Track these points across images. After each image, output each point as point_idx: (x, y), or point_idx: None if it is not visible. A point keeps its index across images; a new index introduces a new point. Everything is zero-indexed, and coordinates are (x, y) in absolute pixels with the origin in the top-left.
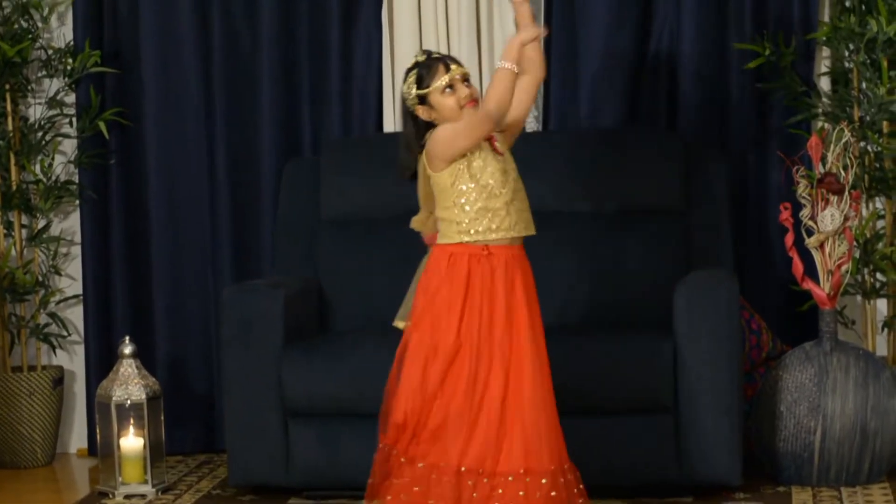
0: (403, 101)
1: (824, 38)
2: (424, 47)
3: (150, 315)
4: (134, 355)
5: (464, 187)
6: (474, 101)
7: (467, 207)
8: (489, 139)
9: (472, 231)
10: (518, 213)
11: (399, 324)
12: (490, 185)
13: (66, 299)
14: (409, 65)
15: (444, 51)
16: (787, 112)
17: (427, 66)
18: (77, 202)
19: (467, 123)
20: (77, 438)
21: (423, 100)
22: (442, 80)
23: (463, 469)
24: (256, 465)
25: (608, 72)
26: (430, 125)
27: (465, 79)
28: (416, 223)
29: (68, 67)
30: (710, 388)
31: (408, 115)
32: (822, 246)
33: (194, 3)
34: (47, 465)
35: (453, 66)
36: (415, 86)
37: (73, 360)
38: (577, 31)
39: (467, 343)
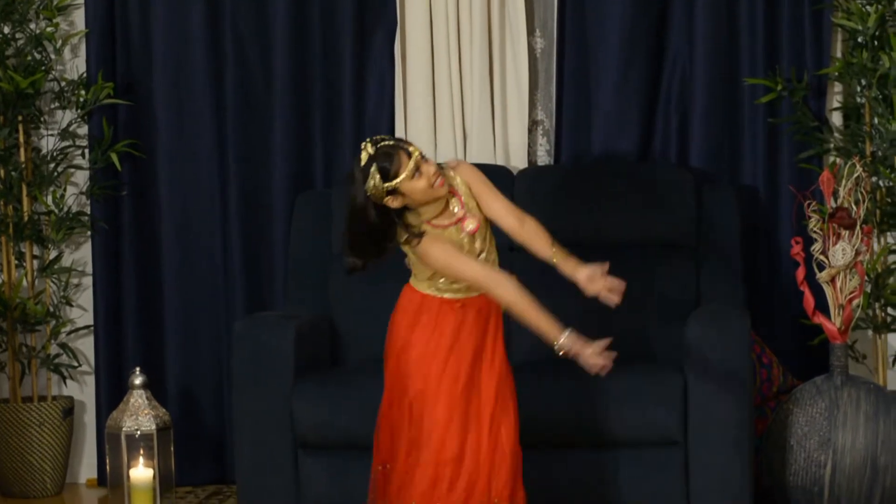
0: (360, 198)
1: (836, 74)
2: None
3: (161, 346)
4: (144, 386)
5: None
6: (440, 177)
7: (441, 280)
8: (462, 222)
9: (447, 293)
10: None
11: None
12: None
13: (77, 330)
14: (359, 160)
15: (456, 84)
16: (799, 147)
17: (387, 157)
18: (89, 233)
19: (475, 276)
20: (87, 469)
21: (392, 191)
22: (409, 165)
23: None
24: (267, 498)
25: (620, 106)
26: (398, 211)
27: (422, 155)
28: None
29: (81, 99)
30: (721, 421)
31: (369, 207)
32: (833, 280)
33: (208, 35)
34: (57, 495)
35: (411, 149)
36: (380, 180)
37: (83, 390)
38: (590, 65)
39: (446, 385)
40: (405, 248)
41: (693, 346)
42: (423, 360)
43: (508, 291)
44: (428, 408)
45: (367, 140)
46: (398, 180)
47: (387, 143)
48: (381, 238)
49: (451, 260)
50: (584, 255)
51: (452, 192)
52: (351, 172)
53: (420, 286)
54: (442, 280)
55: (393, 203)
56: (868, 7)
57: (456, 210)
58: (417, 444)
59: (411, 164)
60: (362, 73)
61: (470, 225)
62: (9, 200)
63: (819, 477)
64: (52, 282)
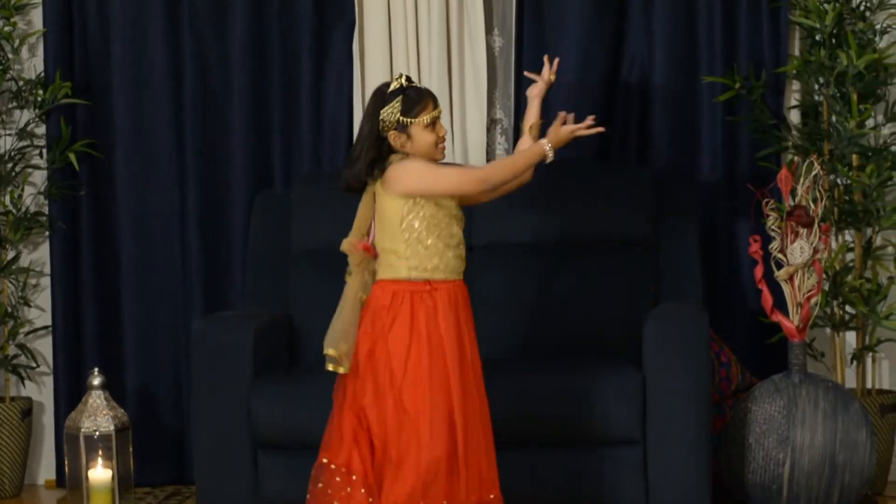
0: (375, 119)
1: (794, 72)
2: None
3: (119, 347)
4: (103, 387)
5: (416, 224)
6: (443, 147)
7: (419, 245)
8: None
9: (420, 268)
10: (461, 258)
11: (330, 350)
12: (446, 229)
13: (35, 330)
14: (390, 86)
15: (415, 79)
16: (757, 145)
17: (417, 95)
18: (47, 233)
19: (458, 175)
20: (45, 470)
21: (402, 127)
22: (429, 115)
23: None
24: (226, 498)
25: (578, 104)
26: (391, 150)
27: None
28: (346, 245)
29: (39, 99)
30: (679, 420)
31: (375, 133)
32: (791, 278)
33: (166, 35)
34: (15, 496)
35: (437, 105)
36: (399, 111)
37: (41, 391)
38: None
39: (426, 377)
40: (382, 195)
41: (651, 345)
42: (400, 353)
43: (488, 168)
44: (412, 400)
45: (402, 74)
46: (415, 119)
47: (423, 88)
48: (374, 159)
49: (431, 168)
50: (542, 252)
51: None
52: (377, 90)
53: (397, 266)
54: (419, 242)
55: (395, 140)
56: (826, 5)
57: None
58: (402, 440)
59: (433, 113)
60: (321, 71)
61: None
62: None
63: (778, 475)
64: (10, 282)
